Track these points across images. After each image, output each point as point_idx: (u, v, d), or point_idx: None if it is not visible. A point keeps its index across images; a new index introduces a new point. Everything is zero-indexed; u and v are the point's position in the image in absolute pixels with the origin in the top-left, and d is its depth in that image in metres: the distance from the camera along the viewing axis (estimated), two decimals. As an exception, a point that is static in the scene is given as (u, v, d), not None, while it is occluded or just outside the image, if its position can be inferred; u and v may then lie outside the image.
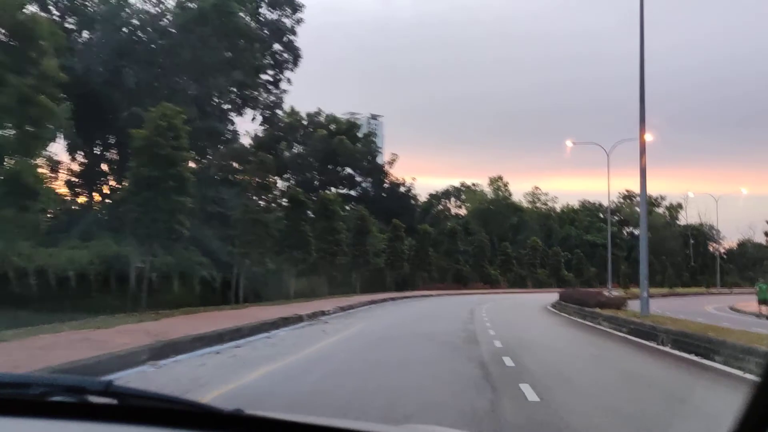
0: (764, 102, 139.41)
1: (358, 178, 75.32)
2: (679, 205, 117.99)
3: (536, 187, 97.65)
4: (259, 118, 57.30)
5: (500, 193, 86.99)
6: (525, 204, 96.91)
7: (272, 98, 59.20)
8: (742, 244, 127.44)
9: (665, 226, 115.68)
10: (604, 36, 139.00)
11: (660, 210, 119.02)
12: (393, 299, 36.66)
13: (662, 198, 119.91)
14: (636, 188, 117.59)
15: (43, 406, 1.53)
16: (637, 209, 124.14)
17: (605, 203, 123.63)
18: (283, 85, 53.17)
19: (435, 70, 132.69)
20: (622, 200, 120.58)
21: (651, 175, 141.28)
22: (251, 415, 1.46)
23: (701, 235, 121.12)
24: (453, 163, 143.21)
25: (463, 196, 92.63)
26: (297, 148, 72.88)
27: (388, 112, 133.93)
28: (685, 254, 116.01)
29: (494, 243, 78.66)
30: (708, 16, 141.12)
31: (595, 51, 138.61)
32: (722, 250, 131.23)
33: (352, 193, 71.46)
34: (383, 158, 76.66)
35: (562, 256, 77.49)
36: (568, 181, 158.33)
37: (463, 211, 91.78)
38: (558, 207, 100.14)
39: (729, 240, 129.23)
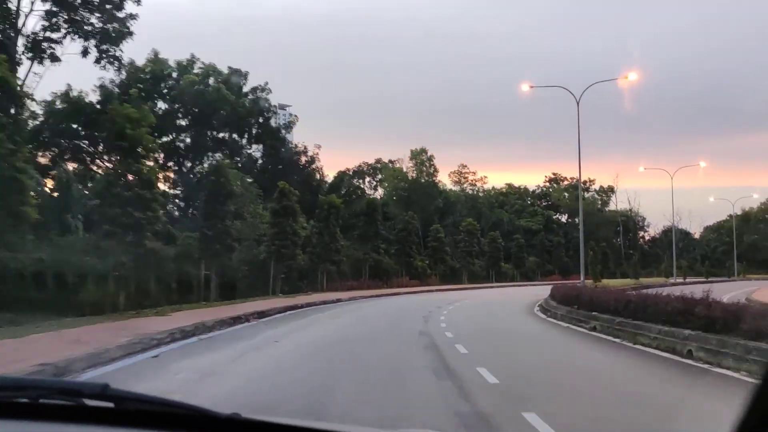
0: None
1: (246, 144, 56.72)
2: (610, 189, 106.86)
3: (463, 165, 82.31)
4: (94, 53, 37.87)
5: (424, 169, 70.53)
6: (450, 185, 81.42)
7: (112, 25, 39.74)
8: (667, 232, 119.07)
9: (596, 213, 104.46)
10: (524, 36, 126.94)
11: (589, 194, 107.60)
12: (262, 316, 18.20)
13: (591, 181, 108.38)
14: (563, 171, 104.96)
15: (38, 409, 1.48)
16: (566, 195, 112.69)
17: (531, 188, 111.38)
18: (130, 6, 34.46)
19: (354, 68, 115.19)
20: (548, 183, 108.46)
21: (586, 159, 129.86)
22: (248, 419, 1.43)
23: (630, 221, 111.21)
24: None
25: (380, 176, 75.52)
26: (162, 104, 53.10)
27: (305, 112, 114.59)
28: (616, 242, 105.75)
29: (419, 229, 62.30)
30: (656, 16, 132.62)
31: (520, 51, 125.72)
32: (647, 238, 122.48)
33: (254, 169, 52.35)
34: (279, 120, 57.98)
35: (500, 242, 61.92)
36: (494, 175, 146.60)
37: (380, 194, 74.98)
38: (487, 188, 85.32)
39: (655, 227, 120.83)
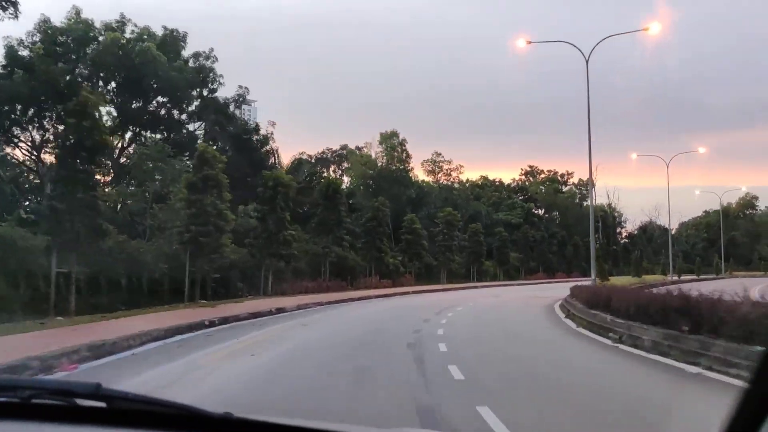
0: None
1: (186, 120, 47.41)
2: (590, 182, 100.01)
3: (437, 154, 74.06)
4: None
5: (395, 154, 61.98)
6: (424, 176, 73.15)
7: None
8: (645, 228, 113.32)
9: (575, 207, 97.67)
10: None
11: (567, 188, 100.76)
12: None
13: (569, 174, 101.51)
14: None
15: (30, 409, 1.45)
16: (543, 188, 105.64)
17: (506, 182, 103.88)
18: None
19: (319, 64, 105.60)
20: (524, 177, 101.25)
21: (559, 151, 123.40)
22: (241, 418, 1.41)
23: (608, 217, 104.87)
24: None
25: (346, 164, 66.81)
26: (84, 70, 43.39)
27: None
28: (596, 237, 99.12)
29: (391, 221, 53.91)
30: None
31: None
32: (623, 234, 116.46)
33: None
34: (227, 93, 48.71)
35: (481, 236, 53.73)
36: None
37: (346, 183, 66.24)
38: (463, 179, 77.23)
39: (633, 223, 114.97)
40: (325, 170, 70.24)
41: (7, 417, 1.45)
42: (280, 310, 18.81)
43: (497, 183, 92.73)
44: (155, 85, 43.76)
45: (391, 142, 61.95)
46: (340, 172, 67.23)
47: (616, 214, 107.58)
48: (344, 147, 67.69)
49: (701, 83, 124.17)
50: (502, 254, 57.19)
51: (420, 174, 74.17)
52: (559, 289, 41.99)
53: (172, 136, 45.41)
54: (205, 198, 20.15)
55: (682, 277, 65.95)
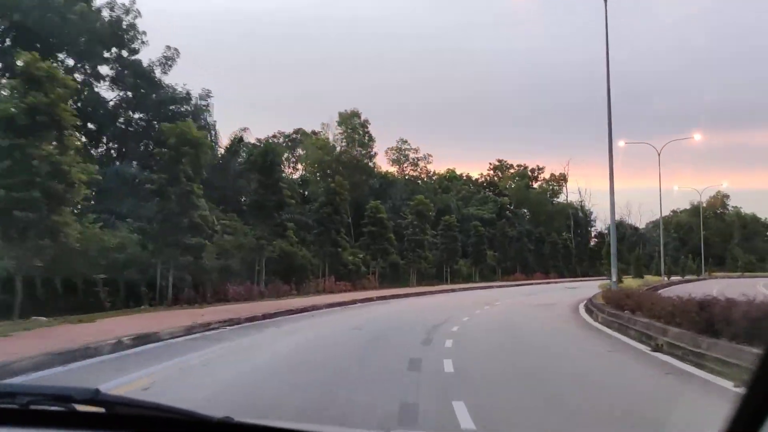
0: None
1: (96, 83, 37.97)
2: (562, 177, 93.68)
3: (402, 141, 65.96)
4: None
5: (357, 137, 53.57)
6: (387, 165, 65.03)
7: None
8: (618, 226, 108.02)
9: (547, 203, 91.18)
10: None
11: (538, 184, 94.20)
12: None
13: (540, 169, 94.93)
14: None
15: (29, 415, 1.43)
16: (513, 183, 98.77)
17: (474, 175, 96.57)
18: None
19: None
20: (492, 172, 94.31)
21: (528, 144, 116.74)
22: (241, 422, 1.41)
23: (580, 214, 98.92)
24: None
25: (301, 150, 58.16)
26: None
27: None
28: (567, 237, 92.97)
29: (350, 212, 45.59)
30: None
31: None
32: (593, 233, 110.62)
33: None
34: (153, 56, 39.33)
35: (456, 228, 45.78)
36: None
37: (300, 172, 57.63)
38: (431, 169, 69.32)
39: (604, 221, 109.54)
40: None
41: (6, 423, 1.43)
42: (140, 341, 10.18)
43: (464, 177, 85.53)
44: (54, 40, 34.34)
45: (352, 122, 53.52)
46: (294, 159, 58.59)
47: (588, 212, 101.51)
48: (298, 131, 59.09)
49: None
50: (479, 252, 49.41)
51: (383, 164, 66.14)
52: (552, 292, 35.08)
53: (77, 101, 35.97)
54: (31, 144, 11.52)
55: (671, 278, 59.79)
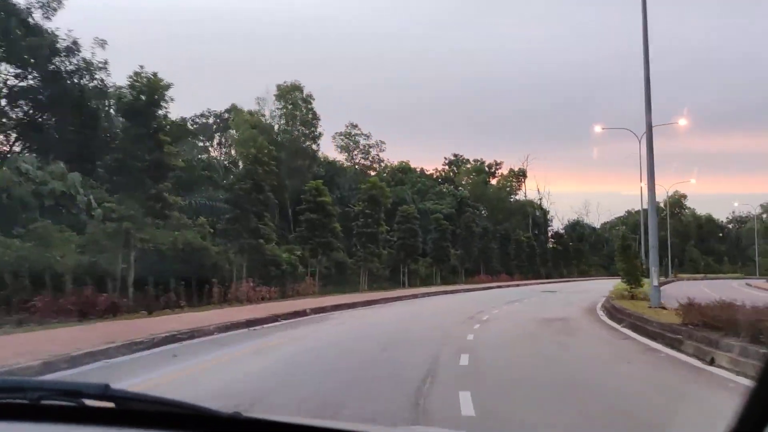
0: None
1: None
2: (521, 173, 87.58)
3: (352, 125, 57.96)
4: None
5: (299, 114, 45.17)
6: (335, 153, 56.86)
7: None
8: (574, 225, 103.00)
9: (506, 200, 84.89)
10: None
11: (495, 180, 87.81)
12: None
13: (498, 164, 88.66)
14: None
15: (40, 410, 1.43)
16: (469, 179, 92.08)
17: (428, 170, 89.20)
18: None
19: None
20: (447, 167, 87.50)
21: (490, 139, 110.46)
22: (250, 417, 1.40)
23: (540, 213, 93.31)
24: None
25: (233, 130, 49.22)
26: None
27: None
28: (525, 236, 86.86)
29: (289, 201, 37.34)
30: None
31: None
32: (550, 233, 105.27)
33: None
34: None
35: (416, 221, 38.04)
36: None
37: (231, 156, 48.80)
38: (384, 158, 61.38)
39: (562, 220, 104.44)
40: (205, 142, 52.42)
41: (17, 418, 1.43)
42: None
43: (418, 171, 78.23)
44: None
45: (293, 97, 45.06)
46: (227, 143, 49.66)
47: (546, 210, 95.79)
48: (232, 108, 50.12)
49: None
50: (440, 250, 41.80)
51: (330, 152, 57.98)
52: (540, 298, 27.60)
53: None
54: None
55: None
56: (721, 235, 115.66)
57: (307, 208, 25.78)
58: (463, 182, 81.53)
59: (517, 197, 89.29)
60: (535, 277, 63.99)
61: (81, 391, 1.43)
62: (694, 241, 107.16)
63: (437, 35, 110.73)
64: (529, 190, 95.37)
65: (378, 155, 58.57)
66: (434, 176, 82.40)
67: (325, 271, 31.84)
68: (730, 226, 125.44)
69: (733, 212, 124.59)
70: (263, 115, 45.87)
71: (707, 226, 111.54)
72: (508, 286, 44.02)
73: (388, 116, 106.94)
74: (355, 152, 57.72)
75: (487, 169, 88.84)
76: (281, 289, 25.05)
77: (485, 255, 52.08)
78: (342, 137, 57.74)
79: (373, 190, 31.73)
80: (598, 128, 48.91)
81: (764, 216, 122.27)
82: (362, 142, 58.02)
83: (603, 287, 45.47)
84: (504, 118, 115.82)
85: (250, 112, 48.61)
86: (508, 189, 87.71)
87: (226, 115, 50.06)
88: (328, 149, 59.62)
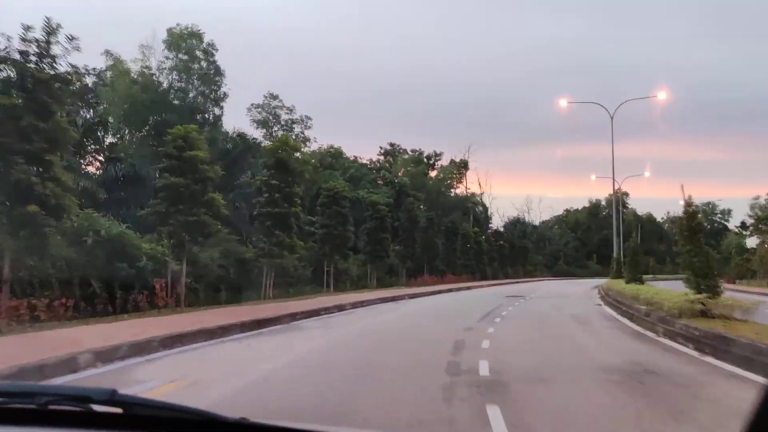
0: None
1: None
2: (462, 164, 79.58)
3: (272, 96, 47.50)
4: None
5: (196, 68, 34.52)
6: (251, 129, 46.39)
7: None
8: (515, 223, 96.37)
9: (445, 194, 76.70)
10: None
11: (434, 173, 79.37)
12: None
13: (438, 155, 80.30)
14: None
15: (47, 415, 1.42)
16: (407, 170, 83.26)
17: (365, 157, 79.58)
18: None
19: None
20: (383, 156, 78.47)
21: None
22: (256, 423, 1.41)
23: (482, 207, 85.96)
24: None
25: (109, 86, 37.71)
26: None
27: None
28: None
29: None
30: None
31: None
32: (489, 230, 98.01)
33: None
34: None
35: (346, 204, 28.42)
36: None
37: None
38: (310, 137, 51.04)
39: (502, 216, 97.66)
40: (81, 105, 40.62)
41: (25, 423, 1.41)
42: None
43: (352, 159, 68.69)
44: None
45: (189, 44, 34.37)
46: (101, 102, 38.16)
47: (485, 206, 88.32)
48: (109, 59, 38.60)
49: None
50: (377, 244, 32.31)
51: (245, 126, 47.58)
52: (520, 312, 17.78)
53: None
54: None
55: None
56: (660, 236, 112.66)
57: (167, 167, 15.54)
58: (399, 174, 72.67)
59: (458, 192, 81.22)
60: (482, 278, 55.93)
61: (89, 397, 1.41)
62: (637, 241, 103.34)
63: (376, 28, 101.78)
64: (470, 184, 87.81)
65: (303, 133, 48.44)
66: (368, 166, 73.24)
67: (216, 270, 21.85)
68: (666, 226, 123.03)
69: (668, 212, 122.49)
70: (148, 68, 34.92)
71: (648, 225, 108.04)
72: (459, 289, 35.23)
73: (321, 108, 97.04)
74: (275, 128, 47.42)
75: (426, 160, 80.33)
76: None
77: (430, 252, 43.15)
78: (259, 110, 47.35)
79: (283, 148, 21.67)
80: (563, 102, 41.20)
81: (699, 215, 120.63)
82: (284, 116, 47.82)
83: (573, 289, 38.05)
84: (446, 112, 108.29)
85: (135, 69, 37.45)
86: (448, 182, 79.50)
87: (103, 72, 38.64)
88: (243, 124, 49.23)
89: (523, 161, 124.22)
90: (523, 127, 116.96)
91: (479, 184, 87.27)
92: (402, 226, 39.90)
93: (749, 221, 60.70)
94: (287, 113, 48.24)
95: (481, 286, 40.23)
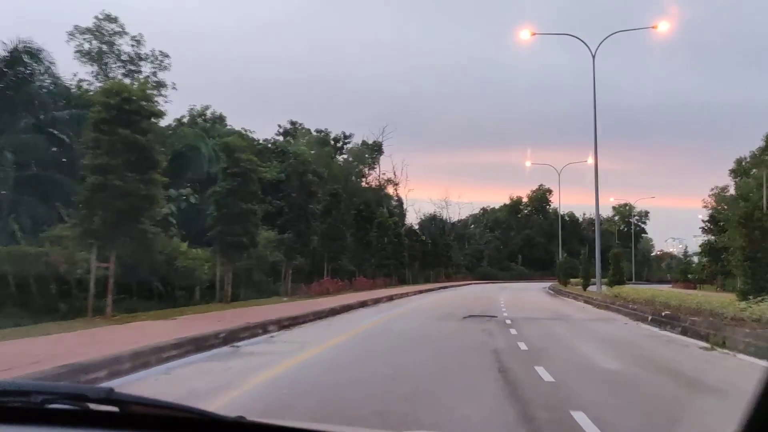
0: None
1: None
2: (376, 146, 66.95)
3: (107, 15, 32.50)
4: None
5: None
6: (78, 66, 31.25)
7: None
8: (432, 219, 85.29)
9: (353, 182, 63.68)
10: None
11: (343, 157, 66.16)
12: None
13: (347, 137, 67.10)
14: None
15: (44, 414, 1.40)
16: (311, 151, 69.77)
17: (262, 137, 64.26)
18: None
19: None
20: (282, 136, 64.38)
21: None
22: (253, 422, 1.39)
23: (397, 199, 73.83)
24: None
25: None
26: None
27: None
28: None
29: None
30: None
31: None
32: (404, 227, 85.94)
33: None
34: None
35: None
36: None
37: None
38: (168, 82, 36.08)
39: (418, 212, 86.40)
40: None
41: (22, 422, 1.40)
42: None
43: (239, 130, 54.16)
44: None
45: None
46: None
47: (401, 200, 76.03)
48: None
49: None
50: (234, 223, 18.49)
51: (68, 61, 32.39)
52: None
53: None
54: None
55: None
56: (581, 238, 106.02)
57: None
58: (305, 153, 59.02)
59: (370, 180, 68.59)
60: (400, 281, 43.72)
61: (85, 395, 1.39)
62: (559, 240, 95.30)
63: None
64: (385, 173, 75.18)
65: (156, 74, 33.66)
66: (260, 143, 58.96)
67: None
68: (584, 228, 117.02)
69: (584, 213, 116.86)
70: None
71: (569, 226, 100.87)
72: (378, 300, 22.44)
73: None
74: (111, 62, 32.39)
75: (333, 143, 67.12)
76: None
77: (333, 245, 30.03)
78: (86, 37, 32.16)
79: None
80: (526, 33, 29.37)
81: (616, 218, 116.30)
82: (126, 48, 32.86)
83: (542, 300, 26.73)
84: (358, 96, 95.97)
85: None
86: (358, 168, 66.67)
87: None
88: (66, 62, 33.64)
89: (438, 165, 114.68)
90: (436, 130, 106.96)
91: (394, 173, 74.14)
92: (293, 203, 26.59)
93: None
94: (134, 46, 33.34)
95: (407, 295, 27.81)
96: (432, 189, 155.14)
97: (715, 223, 51.93)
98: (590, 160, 64.54)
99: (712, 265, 45.44)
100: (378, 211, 42.96)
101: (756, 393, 0.98)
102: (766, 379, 0.97)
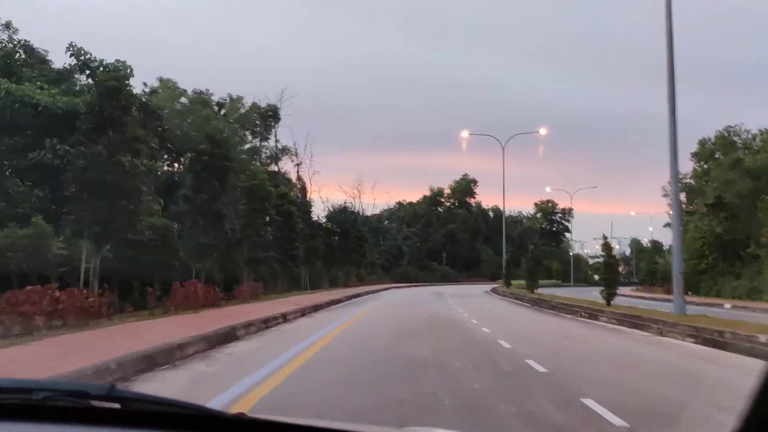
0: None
1: None
2: (272, 111, 52.25)
3: None
4: None
5: None
6: None
7: None
8: (342, 212, 71.87)
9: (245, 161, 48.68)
10: None
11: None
12: None
13: (236, 99, 51.87)
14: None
15: (45, 411, 1.41)
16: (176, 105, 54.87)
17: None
18: None
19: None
20: (148, 95, 48.31)
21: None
22: (253, 418, 1.39)
23: (300, 184, 59.47)
24: None
25: None
26: None
27: None
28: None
29: None
30: None
31: None
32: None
33: None
34: None
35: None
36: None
37: None
38: None
39: (327, 203, 72.52)
40: None
41: (23, 419, 1.40)
42: None
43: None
44: None
45: None
46: None
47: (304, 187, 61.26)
48: None
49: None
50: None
51: None
52: None
53: None
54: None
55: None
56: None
57: None
58: (169, 107, 43.76)
59: (265, 159, 54.00)
60: (295, 287, 29.97)
61: (87, 392, 1.40)
62: (483, 238, 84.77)
63: None
64: (283, 148, 60.38)
65: None
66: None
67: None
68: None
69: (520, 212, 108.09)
70: None
71: (493, 222, 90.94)
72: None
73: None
74: None
75: (217, 107, 51.96)
76: None
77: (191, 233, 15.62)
78: None
79: None
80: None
81: (539, 215, 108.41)
82: None
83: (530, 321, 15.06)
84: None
85: None
86: (250, 140, 52.01)
87: None
88: None
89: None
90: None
91: (296, 152, 59.14)
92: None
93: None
94: None
95: (266, 324, 13.98)
96: (344, 189, 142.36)
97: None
98: (543, 131, 53.73)
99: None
100: (270, 187, 28.84)
101: (755, 387, 0.96)
102: (765, 374, 0.95)
